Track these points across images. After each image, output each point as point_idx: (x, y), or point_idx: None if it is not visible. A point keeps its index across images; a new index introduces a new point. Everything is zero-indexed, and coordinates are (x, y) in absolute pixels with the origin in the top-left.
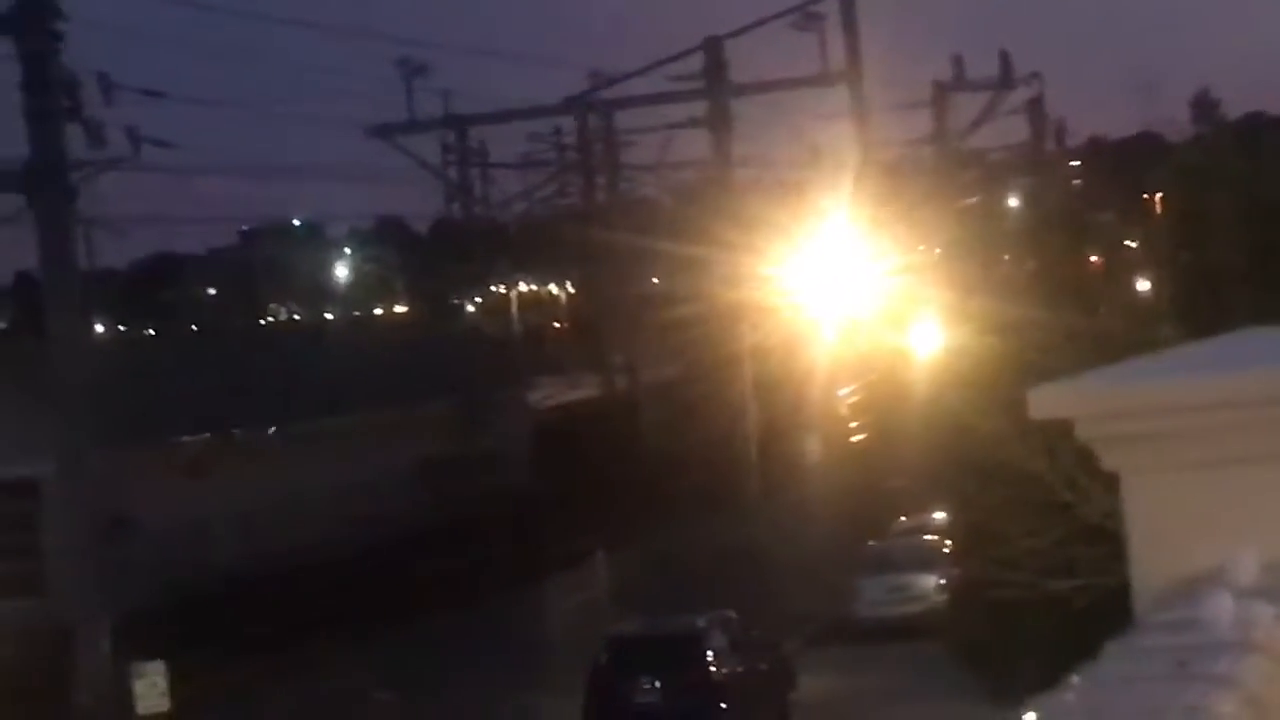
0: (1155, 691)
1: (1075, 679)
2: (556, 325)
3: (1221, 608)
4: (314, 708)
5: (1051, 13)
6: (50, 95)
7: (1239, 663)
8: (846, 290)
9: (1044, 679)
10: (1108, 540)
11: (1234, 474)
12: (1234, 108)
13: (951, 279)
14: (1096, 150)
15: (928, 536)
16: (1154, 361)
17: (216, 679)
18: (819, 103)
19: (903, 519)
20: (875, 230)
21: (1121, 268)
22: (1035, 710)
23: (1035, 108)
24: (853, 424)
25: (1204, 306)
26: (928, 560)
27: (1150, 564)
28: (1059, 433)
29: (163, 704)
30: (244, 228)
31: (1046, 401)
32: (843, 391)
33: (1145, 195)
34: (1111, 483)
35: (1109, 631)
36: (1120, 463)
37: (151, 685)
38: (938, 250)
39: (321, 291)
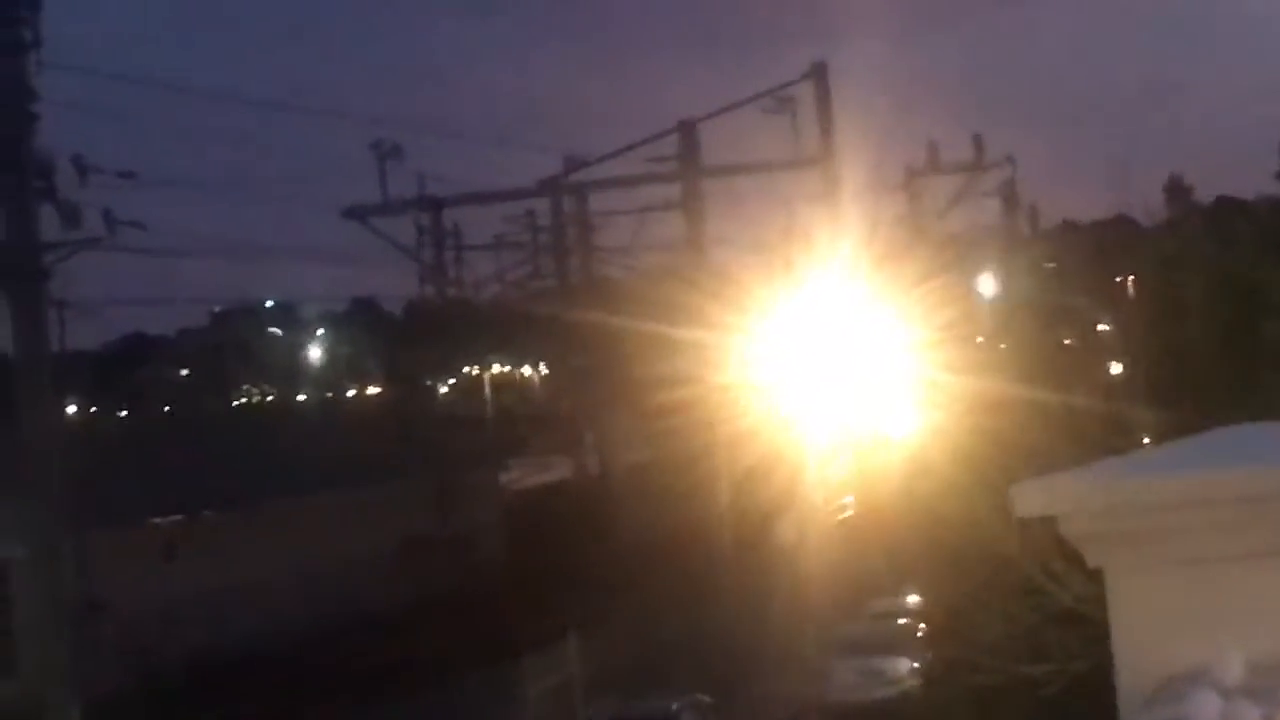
0: None
1: None
2: (528, 407)
3: (1207, 708)
4: None
5: (1026, 97)
6: (24, 177)
7: None
8: (823, 371)
9: None
10: (1081, 624)
11: (1219, 572)
12: (1205, 191)
13: (928, 360)
14: (1069, 233)
15: (901, 620)
16: (1137, 458)
17: None
18: (794, 185)
19: (882, 601)
20: (853, 310)
21: (1095, 349)
22: None
23: (1008, 190)
24: (830, 506)
25: (1177, 388)
26: (901, 643)
27: (1135, 661)
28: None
29: None
30: (216, 309)
31: (1030, 499)
32: (820, 475)
33: (1118, 278)
34: (1087, 569)
35: (1084, 718)
36: (1105, 560)
37: None
38: (913, 331)
39: (294, 372)
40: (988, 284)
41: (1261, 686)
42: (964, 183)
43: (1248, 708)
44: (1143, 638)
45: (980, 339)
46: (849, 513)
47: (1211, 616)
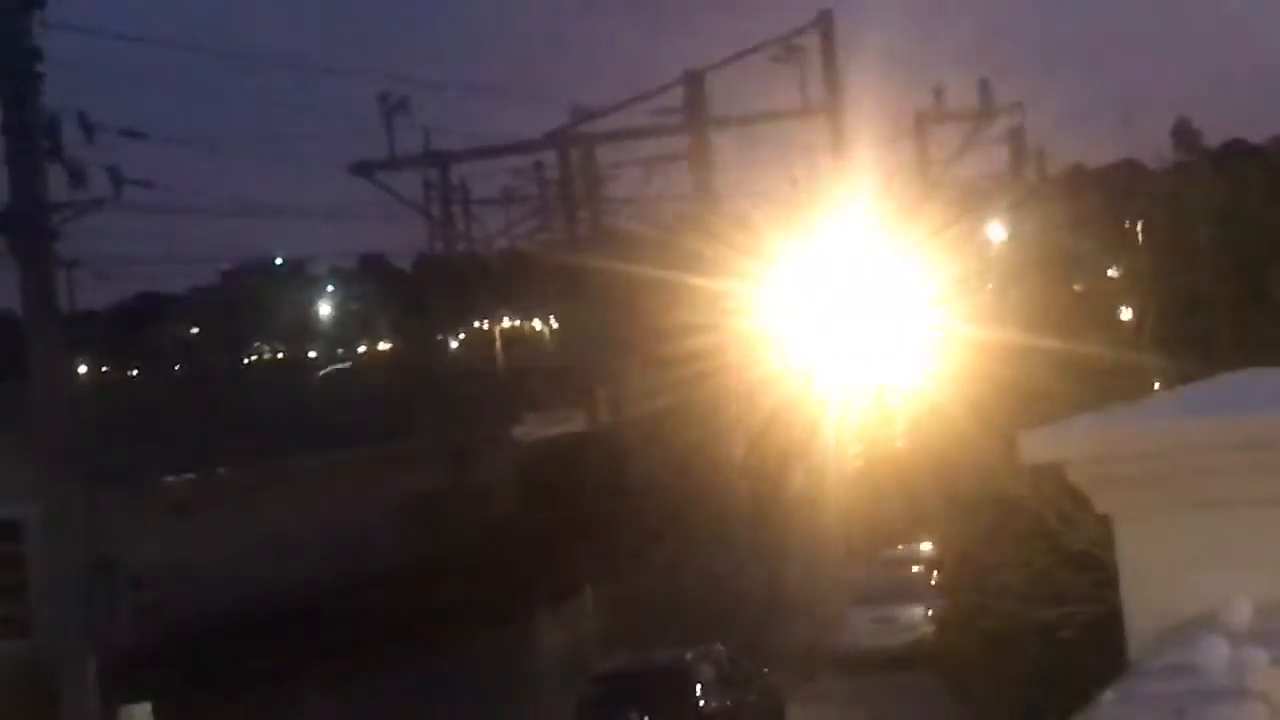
0: None
1: None
2: (539, 360)
3: (1216, 653)
4: None
5: (1032, 42)
6: (30, 137)
7: (1236, 710)
8: (836, 320)
9: (1033, 709)
10: (1094, 568)
11: (1226, 517)
12: (1213, 136)
13: (938, 308)
14: (1078, 178)
15: (915, 567)
16: (1144, 404)
17: None
18: (802, 134)
19: (898, 548)
20: (863, 260)
21: (1104, 295)
22: None
23: (1017, 137)
24: (843, 453)
25: (1186, 333)
26: (914, 591)
27: (1144, 607)
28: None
29: None
30: (226, 267)
31: (1038, 446)
32: (834, 423)
33: (1127, 223)
34: (1101, 516)
35: (1096, 660)
36: (1113, 506)
37: None
38: (923, 280)
39: (305, 329)
40: (997, 231)
41: (1269, 630)
42: (972, 130)
43: (1256, 652)
44: (1151, 582)
45: (990, 286)
46: (859, 460)
47: (1219, 561)
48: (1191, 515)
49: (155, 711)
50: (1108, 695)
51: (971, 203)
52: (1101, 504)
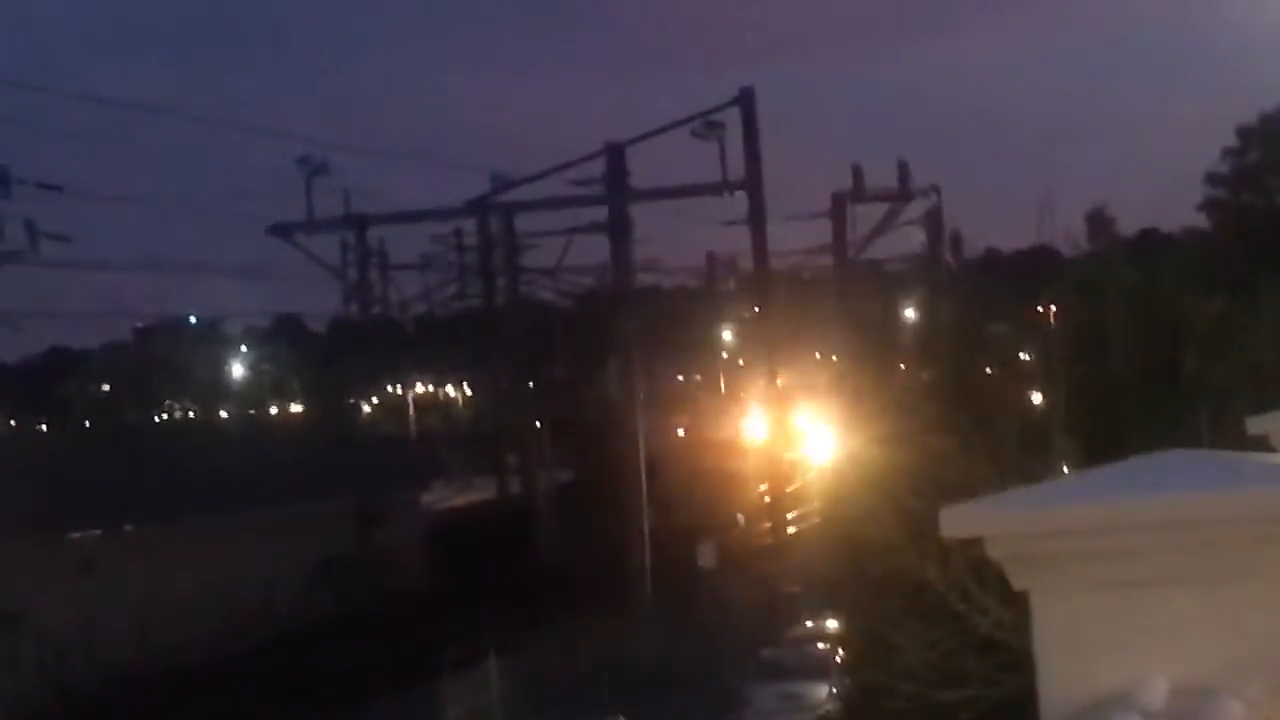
0: None
1: None
2: (452, 427)
3: None
4: None
5: (952, 127)
6: None
7: None
8: (748, 395)
9: None
10: (999, 651)
11: (1142, 596)
12: (1127, 225)
13: (849, 387)
14: (993, 262)
15: (820, 644)
16: (1063, 483)
17: None
18: (720, 210)
19: (805, 624)
20: (776, 338)
21: (1016, 378)
22: None
23: (933, 219)
24: (754, 527)
25: (1097, 418)
26: (819, 668)
27: (1058, 684)
28: (952, 543)
29: None
30: (139, 324)
31: (958, 521)
32: (743, 496)
33: (1040, 307)
34: (1005, 594)
35: None
36: (1030, 583)
37: None
38: (836, 358)
39: (217, 389)
40: (910, 311)
41: (1183, 711)
42: (889, 210)
43: None
44: (1066, 661)
45: (904, 366)
46: (770, 533)
47: (1134, 640)
48: (1108, 594)
49: None
50: None
51: (888, 283)
52: (1019, 580)
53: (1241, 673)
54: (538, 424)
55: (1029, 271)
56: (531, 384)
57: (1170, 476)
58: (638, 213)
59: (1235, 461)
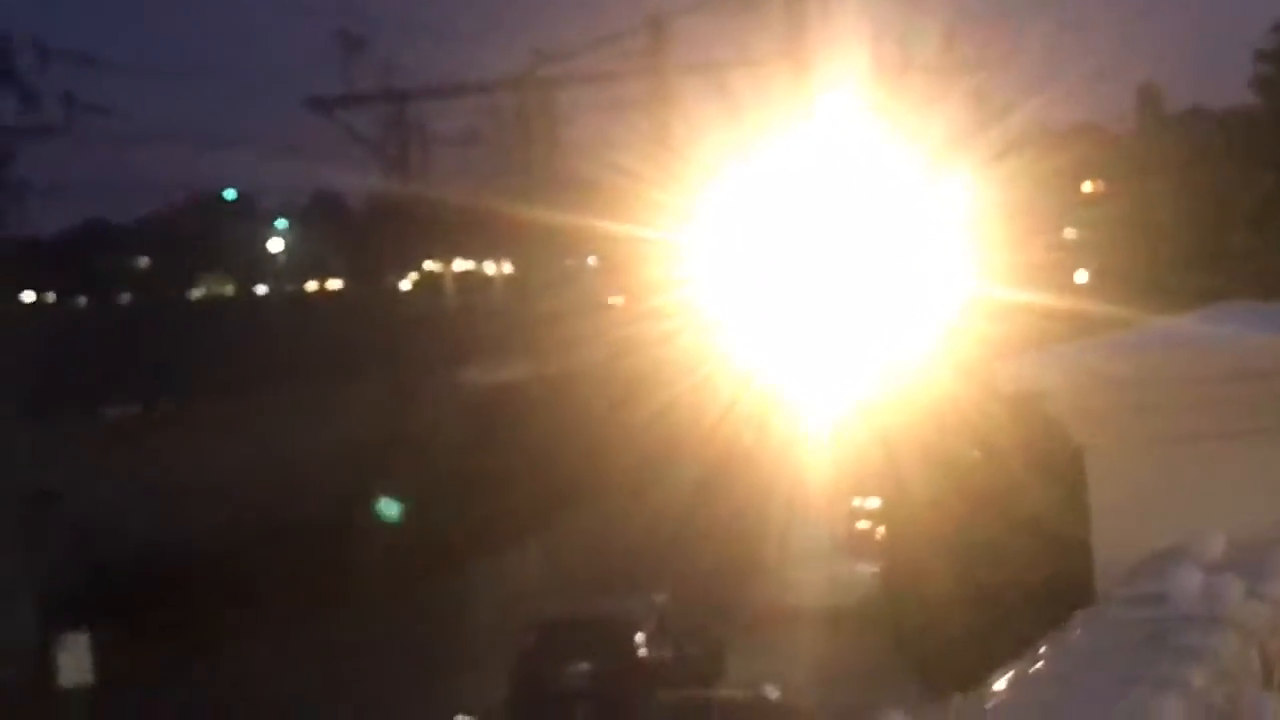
0: (1126, 662)
1: (1044, 648)
2: (491, 304)
3: (1190, 582)
4: (238, 685)
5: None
6: None
7: (1211, 637)
8: (811, 271)
9: (973, 671)
10: (1039, 535)
11: (1200, 450)
12: (1175, 102)
13: (910, 261)
14: (1042, 138)
15: (863, 524)
16: (1122, 337)
17: (141, 653)
18: (767, 82)
19: (853, 503)
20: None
21: (1065, 253)
22: (1006, 674)
23: (980, 91)
24: (806, 407)
25: (1142, 297)
26: (862, 549)
27: (1114, 539)
28: (996, 425)
29: (86, 676)
30: (177, 197)
31: (1016, 374)
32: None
33: (1088, 184)
34: (1050, 473)
35: (1038, 625)
36: (1087, 437)
37: (74, 657)
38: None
39: (254, 264)
40: (963, 186)
41: (1242, 561)
42: (937, 82)
43: (1231, 581)
44: (1122, 515)
45: (958, 242)
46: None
47: (1192, 495)
48: (1166, 448)
49: (92, 642)
50: (1079, 617)
51: (935, 154)
52: (1076, 434)
53: None
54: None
55: (1079, 149)
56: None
57: (1231, 328)
58: (682, 87)
59: None
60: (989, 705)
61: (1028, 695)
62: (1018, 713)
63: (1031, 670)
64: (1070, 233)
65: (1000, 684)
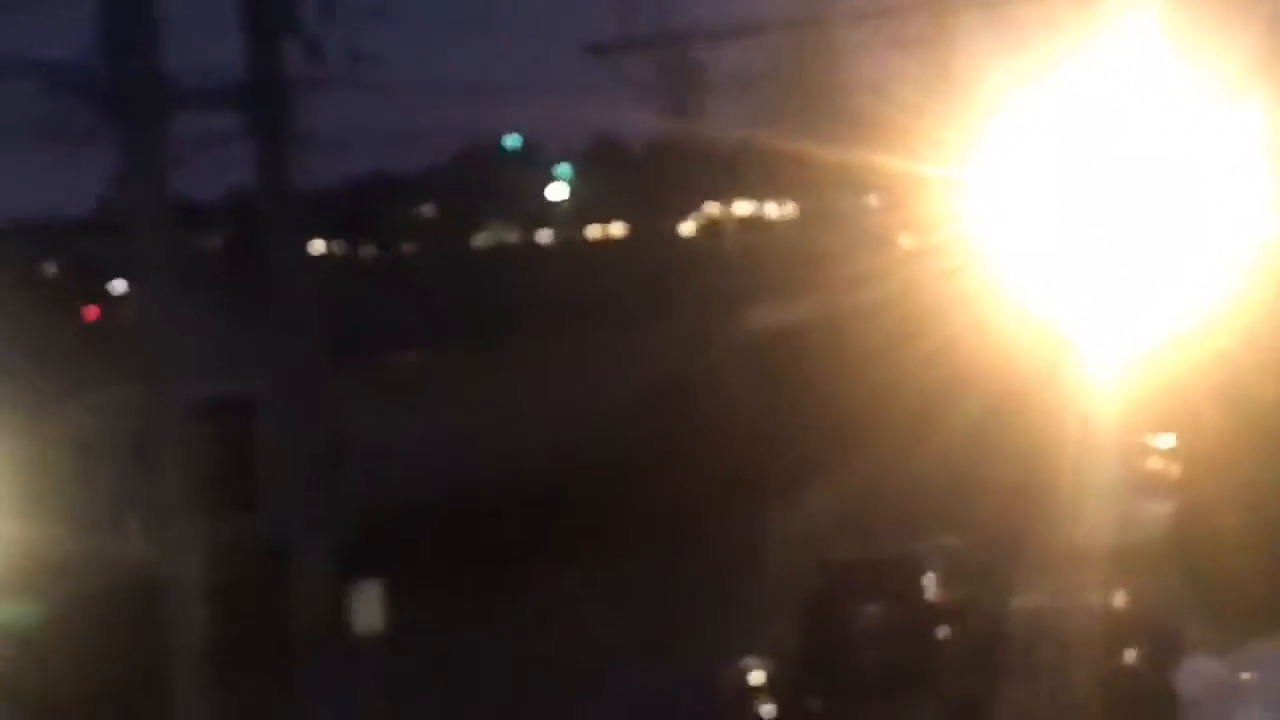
0: None
1: None
2: (773, 246)
3: None
4: (532, 634)
5: None
6: (269, 10)
7: None
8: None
9: (1265, 608)
10: None
11: None
12: None
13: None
14: None
15: (1154, 462)
16: None
17: (435, 600)
18: (1049, 14)
19: (1145, 440)
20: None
21: None
22: None
23: (1273, 16)
24: (1095, 343)
25: None
26: (1155, 486)
27: None
28: None
29: (378, 623)
30: (460, 147)
31: None
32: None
33: None
34: None
35: None
36: None
37: (368, 605)
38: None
39: (537, 212)
40: (1254, 117)
41: None
42: (1234, 6)
43: None
44: None
45: (1248, 175)
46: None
47: None
48: None
49: (385, 590)
50: None
51: (1237, 85)
52: None
53: None
54: None
55: None
56: None
57: None
58: (960, 24)
59: None
60: None
61: None
62: None
63: None
64: None
65: None
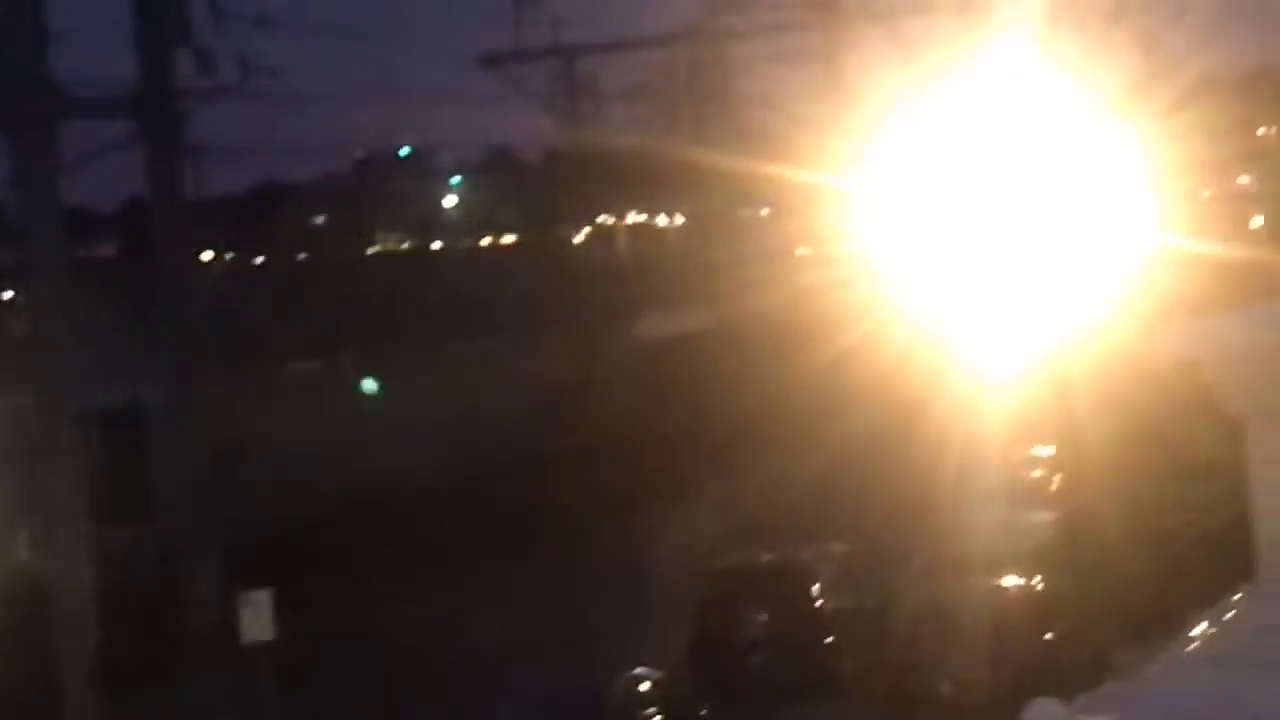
0: None
1: (1201, 626)
2: (665, 256)
3: None
4: (424, 639)
5: None
6: (161, 22)
7: None
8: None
9: (1151, 615)
10: (1214, 479)
11: None
12: None
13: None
14: (1213, 85)
15: (1036, 472)
16: (1274, 307)
17: (325, 608)
18: (939, 31)
19: (1027, 451)
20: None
21: (1235, 202)
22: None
23: (1147, 39)
24: (979, 355)
25: None
26: (1036, 496)
27: (1275, 510)
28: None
29: (267, 633)
30: (351, 156)
31: (1175, 342)
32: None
33: (1261, 130)
34: (1222, 424)
35: (1214, 568)
36: (1247, 407)
37: (257, 614)
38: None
39: (429, 220)
40: (1131, 135)
41: None
42: (1100, 31)
43: None
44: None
45: (1126, 190)
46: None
47: None
48: None
49: (275, 599)
50: (1239, 594)
51: (1114, 104)
52: (1236, 405)
53: None
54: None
55: (1250, 95)
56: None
57: None
58: (853, 38)
59: None
60: (1148, 690)
61: (1187, 678)
62: (1177, 697)
63: (1187, 651)
64: (1244, 179)
65: (1159, 666)
